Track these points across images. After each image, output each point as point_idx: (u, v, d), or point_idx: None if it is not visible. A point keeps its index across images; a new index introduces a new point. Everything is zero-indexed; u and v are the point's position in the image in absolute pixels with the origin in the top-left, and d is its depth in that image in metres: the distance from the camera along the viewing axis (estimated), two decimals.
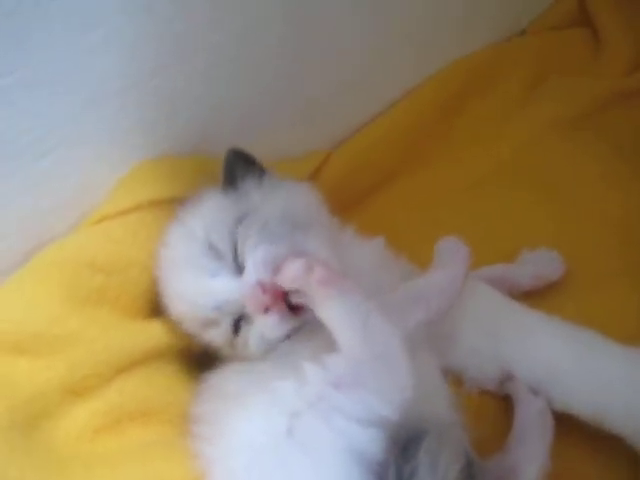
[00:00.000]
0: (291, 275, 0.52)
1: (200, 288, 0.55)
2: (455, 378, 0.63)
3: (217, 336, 0.56)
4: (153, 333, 0.57)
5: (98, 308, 0.56)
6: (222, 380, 0.55)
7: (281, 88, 0.75)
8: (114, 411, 0.52)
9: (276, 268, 0.53)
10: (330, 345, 0.51)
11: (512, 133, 0.90)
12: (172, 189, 0.62)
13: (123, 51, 0.59)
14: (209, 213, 0.59)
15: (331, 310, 0.51)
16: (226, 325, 0.56)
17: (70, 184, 0.61)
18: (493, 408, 0.64)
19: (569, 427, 0.60)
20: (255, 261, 0.54)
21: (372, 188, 0.85)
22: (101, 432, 0.52)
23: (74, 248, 0.58)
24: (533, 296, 0.70)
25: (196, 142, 0.68)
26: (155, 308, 0.60)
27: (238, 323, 0.56)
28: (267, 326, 0.55)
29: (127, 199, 0.60)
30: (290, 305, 0.54)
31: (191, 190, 0.61)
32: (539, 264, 0.72)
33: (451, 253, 0.64)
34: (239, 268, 0.55)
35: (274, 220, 0.57)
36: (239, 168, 0.61)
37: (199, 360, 0.59)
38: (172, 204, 0.61)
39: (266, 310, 0.54)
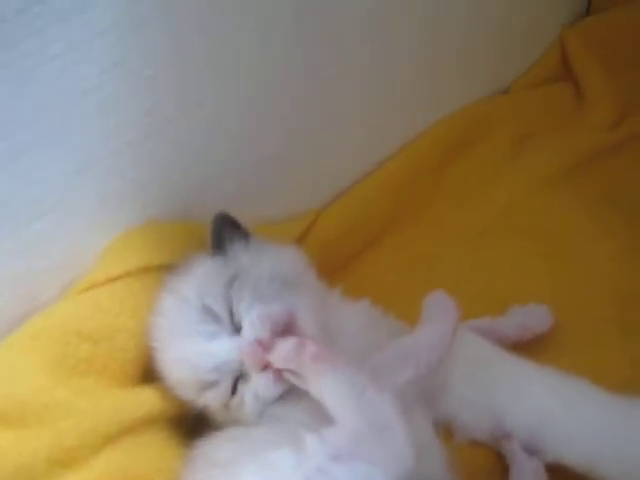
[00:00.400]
0: (283, 355, 0.53)
1: (200, 351, 0.56)
2: (446, 430, 0.63)
3: (214, 399, 0.56)
4: (142, 401, 0.57)
5: (85, 377, 0.55)
6: (214, 447, 0.55)
7: (273, 154, 0.76)
8: None
9: (273, 326, 0.55)
10: (320, 407, 0.51)
11: (505, 186, 0.91)
12: (160, 256, 0.62)
13: (117, 115, 0.60)
14: (201, 278, 0.59)
15: (324, 386, 0.51)
16: (226, 385, 0.56)
17: (63, 247, 0.62)
18: (486, 463, 0.64)
19: None
20: (252, 320, 0.55)
21: (363, 246, 0.86)
22: None
23: (61, 317, 0.58)
24: (526, 349, 0.69)
25: (186, 206, 0.69)
26: (144, 374, 0.60)
27: (236, 383, 0.56)
28: (261, 384, 0.55)
29: (115, 266, 0.61)
30: None
31: (179, 256, 0.62)
32: (527, 316, 0.72)
33: (439, 308, 0.64)
34: (236, 328, 0.56)
35: (263, 281, 0.58)
36: (226, 232, 0.62)
37: (190, 427, 0.59)
38: (160, 271, 0.61)
39: (265, 367, 0.55)
